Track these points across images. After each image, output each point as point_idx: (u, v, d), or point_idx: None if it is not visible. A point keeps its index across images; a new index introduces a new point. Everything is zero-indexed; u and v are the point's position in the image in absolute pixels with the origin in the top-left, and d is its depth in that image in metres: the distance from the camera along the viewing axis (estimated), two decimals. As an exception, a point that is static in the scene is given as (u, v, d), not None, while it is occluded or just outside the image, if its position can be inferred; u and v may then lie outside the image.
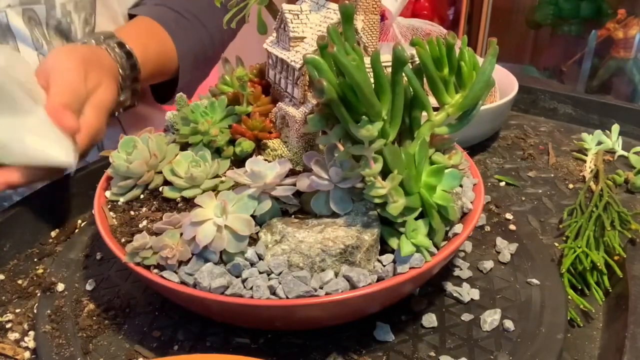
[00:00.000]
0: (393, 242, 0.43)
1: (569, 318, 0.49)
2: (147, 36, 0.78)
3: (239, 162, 0.51)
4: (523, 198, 0.69)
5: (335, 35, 0.41)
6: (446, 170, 0.44)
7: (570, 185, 0.71)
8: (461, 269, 0.54)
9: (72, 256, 0.56)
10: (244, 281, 0.40)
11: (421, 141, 0.43)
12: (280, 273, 0.40)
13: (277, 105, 0.51)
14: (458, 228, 0.45)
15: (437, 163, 0.44)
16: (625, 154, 0.77)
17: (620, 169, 0.74)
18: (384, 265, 0.42)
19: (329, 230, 0.42)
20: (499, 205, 0.64)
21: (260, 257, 0.41)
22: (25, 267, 0.57)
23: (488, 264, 0.54)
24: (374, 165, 0.40)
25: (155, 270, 0.42)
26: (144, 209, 0.48)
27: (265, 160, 0.50)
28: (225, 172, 0.48)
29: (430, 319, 0.48)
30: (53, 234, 0.62)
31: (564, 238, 0.59)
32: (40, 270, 0.56)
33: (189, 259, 0.41)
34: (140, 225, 0.47)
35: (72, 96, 0.59)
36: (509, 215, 0.62)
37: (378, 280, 0.41)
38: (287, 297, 0.39)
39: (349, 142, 0.41)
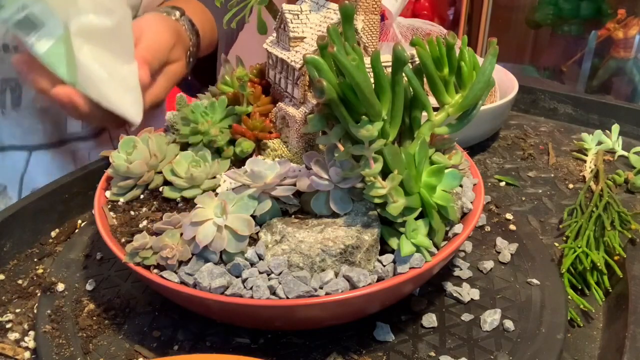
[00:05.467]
0: (393, 242, 0.43)
1: (569, 318, 0.49)
2: (201, 14, 0.80)
3: (239, 162, 0.51)
4: (523, 198, 0.69)
5: (335, 35, 0.41)
6: (446, 170, 0.44)
7: (570, 185, 0.71)
8: (461, 269, 0.54)
9: (72, 256, 0.56)
10: (244, 281, 0.40)
11: (421, 141, 0.43)
12: (280, 273, 0.40)
13: (277, 105, 0.51)
14: (458, 228, 0.45)
15: (437, 163, 0.44)
16: (625, 154, 0.77)
17: (620, 169, 0.74)
18: (384, 265, 0.42)
19: (329, 230, 0.42)
20: (499, 205, 0.64)
21: (260, 257, 0.41)
22: (25, 267, 0.57)
23: (488, 264, 0.54)
24: (374, 165, 0.40)
25: (155, 271, 0.42)
26: (144, 209, 0.48)
27: (264, 159, 0.50)
28: (225, 172, 0.48)
29: (430, 319, 0.48)
30: (53, 234, 0.62)
31: (564, 238, 0.59)
32: (40, 270, 0.56)
33: (189, 259, 0.41)
34: (140, 225, 0.47)
35: (155, 57, 0.64)
36: (509, 215, 0.62)
37: (378, 280, 0.41)
38: (287, 297, 0.39)
39: (348, 142, 0.41)
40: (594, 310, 0.51)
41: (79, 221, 0.63)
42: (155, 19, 0.67)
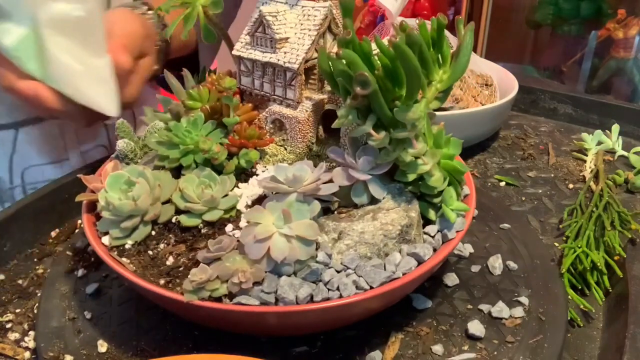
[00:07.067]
0: (431, 214, 0.45)
1: (569, 318, 0.49)
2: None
3: (236, 175, 0.49)
4: (523, 198, 0.69)
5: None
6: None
7: (570, 185, 0.71)
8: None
9: (54, 324, 0.48)
10: (326, 284, 0.40)
11: (426, 117, 0.47)
12: (356, 267, 0.41)
13: (267, 110, 0.50)
14: (466, 189, 0.50)
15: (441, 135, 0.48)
16: (625, 154, 0.77)
17: (620, 169, 0.74)
18: (433, 237, 0.45)
19: (381, 215, 0.43)
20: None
21: (330, 258, 0.41)
22: (25, 267, 0.56)
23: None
24: (417, 145, 0.42)
25: (226, 300, 0.39)
26: (161, 245, 0.44)
27: (265, 166, 0.50)
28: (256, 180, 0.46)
29: (452, 278, 0.52)
30: (53, 234, 0.60)
31: (564, 238, 0.59)
32: (40, 270, 0.55)
33: (263, 279, 0.39)
34: (168, 263, 0.43)
35: (132, 43, 0.60)
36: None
37: (433, 250, 0.44)
38: (372, 287, 0.40)
39: (379, 129, 0.43)
40: (594, 310, 0.51)
41: (79, 221, 0.60)
42: (122, 12, 0.63)
